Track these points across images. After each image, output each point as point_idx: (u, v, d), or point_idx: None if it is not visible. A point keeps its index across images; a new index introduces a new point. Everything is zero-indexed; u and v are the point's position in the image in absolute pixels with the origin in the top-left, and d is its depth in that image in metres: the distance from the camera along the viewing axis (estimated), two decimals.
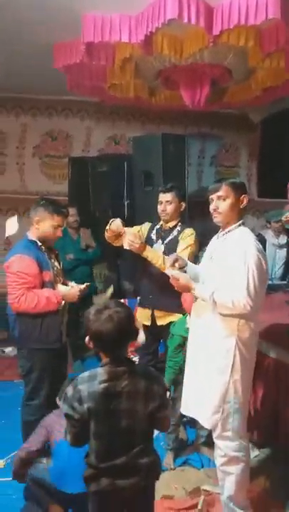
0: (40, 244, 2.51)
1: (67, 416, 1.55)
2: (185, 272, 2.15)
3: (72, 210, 4.13)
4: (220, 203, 2.01)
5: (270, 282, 3.20)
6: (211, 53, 3.18)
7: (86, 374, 1.57)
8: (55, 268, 2.60)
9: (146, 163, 3.86)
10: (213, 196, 2.04)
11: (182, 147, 3.92)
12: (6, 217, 5.14)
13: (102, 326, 1.49)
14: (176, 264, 2.15)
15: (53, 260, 2.60)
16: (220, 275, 1.96)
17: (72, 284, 2.63)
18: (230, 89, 4.17)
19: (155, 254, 2.62)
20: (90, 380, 1.53)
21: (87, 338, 1.56)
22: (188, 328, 2.28)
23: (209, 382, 1.98)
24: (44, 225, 2.49)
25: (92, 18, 2.86)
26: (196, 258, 2.63)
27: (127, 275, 4.57)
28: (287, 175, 3.48)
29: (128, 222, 3.91)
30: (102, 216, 4.30)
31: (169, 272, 2.08)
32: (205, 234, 2.90)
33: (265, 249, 2.50)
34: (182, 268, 2.17)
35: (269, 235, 4.20)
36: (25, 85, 4.58)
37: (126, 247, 2.62)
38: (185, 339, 2.38)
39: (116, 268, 4.58)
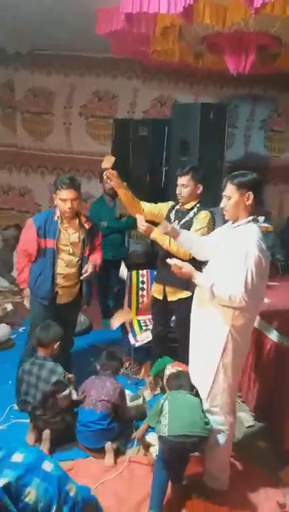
0: (58, 214, 2.76)
1: None
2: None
3: None
4: (226, 201, 2.10)
5: None
6: (257, 22, 3.02)
7: None
8: (71, 238, 2.79)
9: (183, 132, 3.79)
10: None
11: (222, 117, 3.79)
12: (52, 176, 5.37)
13: None
14: (169, 228, 2.35)
15: (71, 231, 2.80)
16: (221, 268, 2.06)
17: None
18: (282, 53, 3.93)
19: (162, 236, 2.65)
20: None
21: None
22: None
23: (204, 363, 2.17)
24: (56, 199, 2.75)
25: None
26: None
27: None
28: None
29: (163, 191, 3.95)
30: (139, 182, 4.25)
31: (171, 261, 2.21)
32: None
33: None
34: (175, 237, 2.37)
35: None
36: (73, 43, 4.56)
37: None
38: None
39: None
